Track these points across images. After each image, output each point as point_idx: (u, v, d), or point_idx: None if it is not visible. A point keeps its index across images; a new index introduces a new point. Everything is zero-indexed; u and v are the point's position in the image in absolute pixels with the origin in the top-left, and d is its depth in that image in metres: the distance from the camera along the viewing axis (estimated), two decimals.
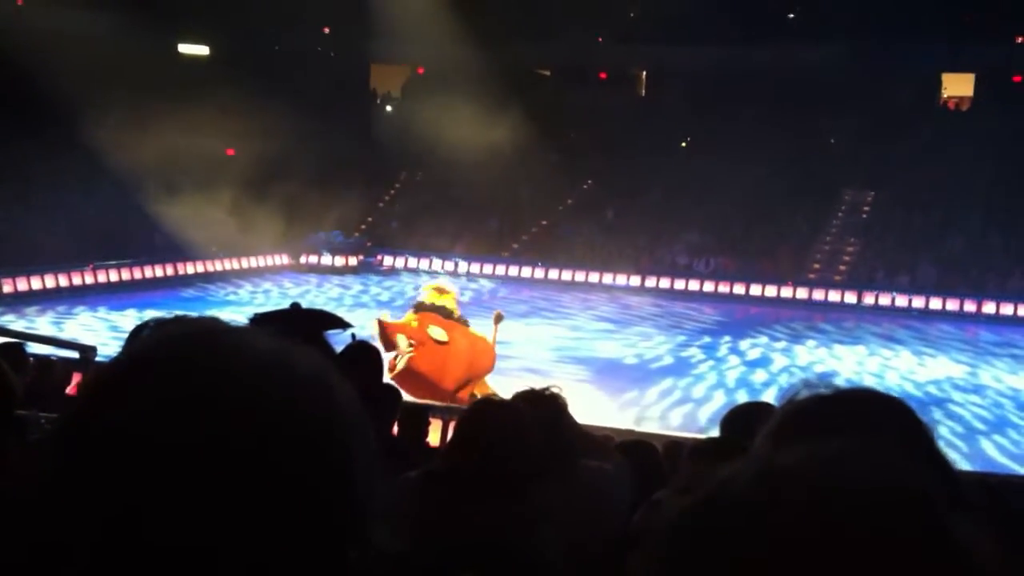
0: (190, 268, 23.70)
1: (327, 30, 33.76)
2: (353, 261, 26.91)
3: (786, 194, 26.88)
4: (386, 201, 30.69)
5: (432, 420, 6.46)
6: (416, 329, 11.38)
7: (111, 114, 22.68)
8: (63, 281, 20.71)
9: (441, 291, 12.15)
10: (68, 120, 22.32)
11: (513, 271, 26.58)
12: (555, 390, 3.27)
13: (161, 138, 23.18)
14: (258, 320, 2.23)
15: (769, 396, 13.79)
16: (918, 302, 23.66)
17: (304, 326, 2.23)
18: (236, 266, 24.79)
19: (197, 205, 23.04)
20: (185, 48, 31.13)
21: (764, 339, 19.74)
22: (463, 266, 26.87)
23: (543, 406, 3.09)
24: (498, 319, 12.30)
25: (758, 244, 26.07)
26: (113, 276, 21.76)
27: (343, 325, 2.36)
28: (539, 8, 29.74)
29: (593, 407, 11.69)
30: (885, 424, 1.11)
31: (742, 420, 2.76)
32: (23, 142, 21.49)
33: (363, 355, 3.90)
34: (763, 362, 17.56)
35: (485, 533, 2.31)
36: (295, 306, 2.18)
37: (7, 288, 19.50)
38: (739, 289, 24.94)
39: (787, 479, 0.62)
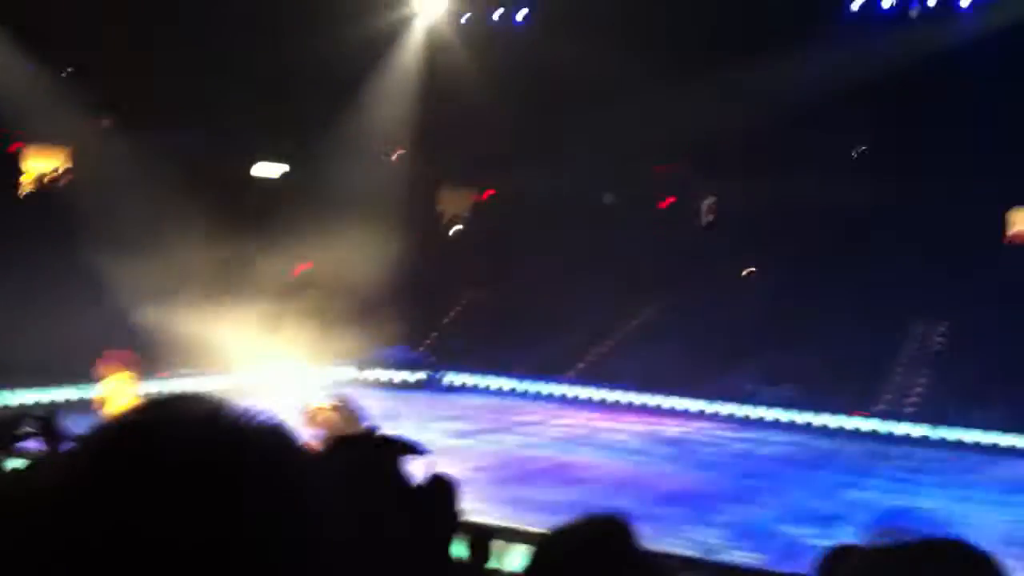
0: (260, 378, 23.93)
1: (399, 152, 34.82)
2: (417, 377, 27.03)
3: (855, 324, 26.56)
4: (451, 318, 30.98)
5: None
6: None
7: (189, 227, 23.39)
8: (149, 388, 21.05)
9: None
10: (144, 232, 23.01)
11: (576, 391, 26.45)
12: (617, 518, 3.22)
13: (235, 252, 23.80)
14: (337, 444, 2.28)
15: (839, 530, 13.37)
16: (992, 438, 22.96)
17: (381, 451, 2.27)
18: (306, 378, 25.01)
19: (267, 318, 23.46)
20: (261, 166, 32.23)
21: (833, 470, 19.24)
22: (526, 385, 26.83)
23: (606, 533, 3.05)
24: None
25: (825, 374, 25.66)
26: (190, 384, 22.09)
27: (419, 452, 2.38)
28: (604, 138, 30.36)
29: (655, 536, 11.45)
30: (961, 568, 1.09)
31: (836, 564, 2.67)
32: (97, 256, 22.10)
33: (440, 490, 3.84)
34: (831, 494, 17.09)
35: None
36: (374, 431, 2.19)
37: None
38: (806, 418, 24.50)
39: None
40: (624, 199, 34.59)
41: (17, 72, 24.91)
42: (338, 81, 29.62)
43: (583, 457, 18.42)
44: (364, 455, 2.26)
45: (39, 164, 29.62)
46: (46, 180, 29.01)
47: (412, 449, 2.44)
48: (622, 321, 29.42)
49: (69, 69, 27.63)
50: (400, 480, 2.22)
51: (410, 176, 34.25)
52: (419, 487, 3.36)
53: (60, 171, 29.36)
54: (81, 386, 19.97)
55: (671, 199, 34.58)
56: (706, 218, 35.43)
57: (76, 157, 28.82)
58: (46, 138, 28.31)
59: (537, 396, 26.31)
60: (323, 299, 25.68)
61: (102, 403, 11.78)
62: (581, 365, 27.99)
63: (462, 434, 19.85)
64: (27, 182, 28.74)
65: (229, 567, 0.74)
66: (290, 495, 0.79)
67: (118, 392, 11.37)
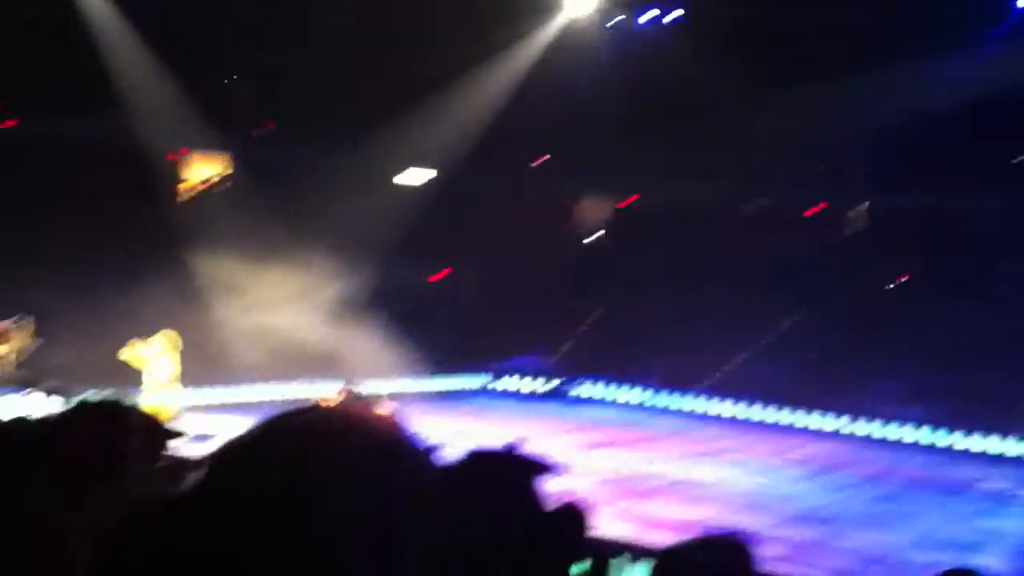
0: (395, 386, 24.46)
1: (541, 160, 35.07)
2: (547, 387, 27.27)
3: (1005, 343, 25.53)
4: (584, 328, 31.08)
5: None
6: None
7: (324, 233, 23.92)
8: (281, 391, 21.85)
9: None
10: (281, 238, 23.81)
11: (705, 406, 26.24)
12: (740, 538, 3.27)
13: (369, 260, 24.33)
14: (475, 456, 2.39)
15: (976, 559, 12.95)
16: None
17: (518, 470, 2.37)
18: (436, 386, 25.47)
19: (403, 327, 23.94)
20: (409, 173, 32.71)
21: (972, 496, 18.59)
22: (655, 398, 26.76)
23: (727, 555, 3.11)
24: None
25: (969, 394, 24.76)
26: (316, 391, 22.74)
27: (553, 471, 2.44)
28: (747, 145, 29.93)
29: (780, 559, 11.34)
30: None
31: None
32: (235, 263, 22.98)
33: (571, 518, 3.86)
34: (969, 521, 16.53)
35: None
36: (513, 448, 2.23)
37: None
38: (946, 440, 23.70)
39: None
40: (767, 207, 33.97)
41: (176, 83, 26.19)
42: (478, 87, 30.04)
43: (709, 474, 18.30)
44: (499, 472, 2.38)
45: (200, 171, 30.96)
46: (205, 186, 30.39)
47: (546, 468, 2.54)
48: (757, 334, 28.98)
49: (231, 79, 28.90)
50: (532, 500, 2.34)
51: (549, 184, 34.47)
52: (551, 512, 3.43)
53: (218, 177, 30.70)
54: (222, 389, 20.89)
55: (817, 207, 33.80)
56: (853, 227, 34.53)
57: (233, 164, 30.11)
58: (207, 145, 29.62)
59: (666, 410, 26.17)
60: (458, 306, 26.15)
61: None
62: (711, 380, 27.73)
63: (587, 446, 19.97)
64: (185, 188, 30.17)
65: None
66: (315, 536, 0.90)
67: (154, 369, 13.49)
